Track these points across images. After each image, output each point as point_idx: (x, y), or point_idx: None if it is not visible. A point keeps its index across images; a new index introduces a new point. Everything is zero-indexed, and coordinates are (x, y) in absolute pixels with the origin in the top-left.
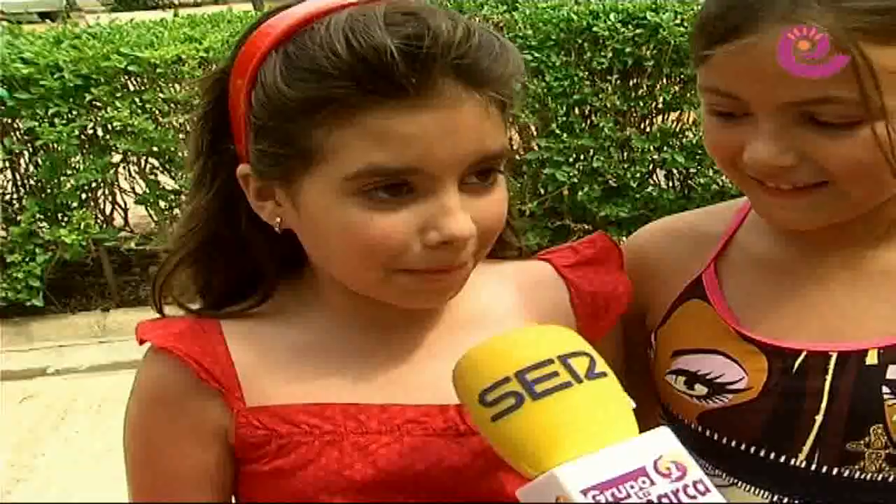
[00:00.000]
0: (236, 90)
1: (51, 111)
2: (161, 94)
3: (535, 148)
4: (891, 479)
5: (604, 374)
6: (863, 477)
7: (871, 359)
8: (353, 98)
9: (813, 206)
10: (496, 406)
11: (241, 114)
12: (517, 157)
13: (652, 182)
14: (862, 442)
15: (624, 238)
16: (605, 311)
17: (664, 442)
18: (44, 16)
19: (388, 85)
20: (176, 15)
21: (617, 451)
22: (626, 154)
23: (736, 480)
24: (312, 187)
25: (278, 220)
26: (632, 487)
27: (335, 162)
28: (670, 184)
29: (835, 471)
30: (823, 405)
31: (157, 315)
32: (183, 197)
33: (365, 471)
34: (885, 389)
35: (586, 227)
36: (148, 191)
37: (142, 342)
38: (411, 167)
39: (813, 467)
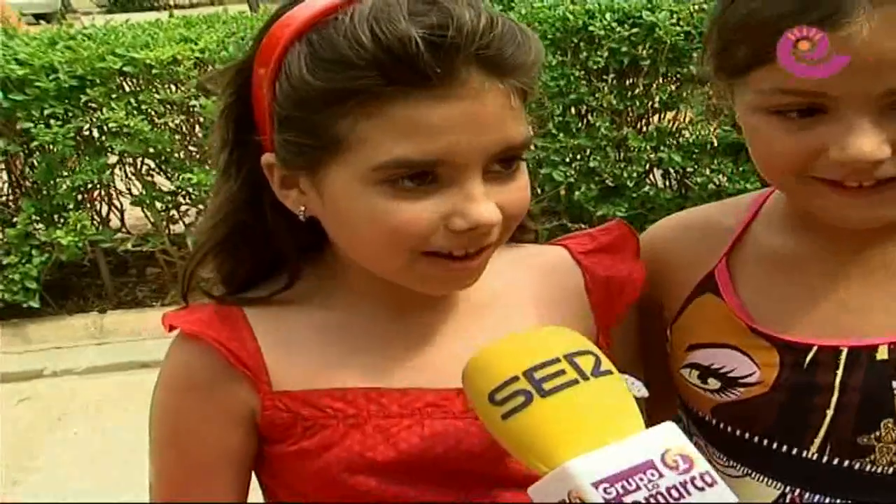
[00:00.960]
0: (259, 80)
1: (46, 112)
2: (157, 95)
3: (532, 147)
4: None
5: (609, 372)
6: (874, 470)
7: (882, 354)
8: (378, 89)
9: (890, 201)
10: (506, 404)
11: (265, 104)
12: None
13: (649, 181)
14: (873, 436)
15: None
16: (619, 296)
17: (670, 436)
18: (39, 17)
19: (413, 75)
20: (171, 16)
21: (625, 446)
22: (622, 153)
23: (749, 472)
24: (338, 176)
25: (302, 208)
26: (641, 480)
27: (361, 152)
28: (667, 183)
29: (846, 463)
30: (834, 399)
31: (177, 307)
32: (179, 199)
33: (387, 453)
34: (895, 384)
35: (583, 226)
36: (144, 192)
37: (171, 329)
38: (437, 159)
39: (824, 460)
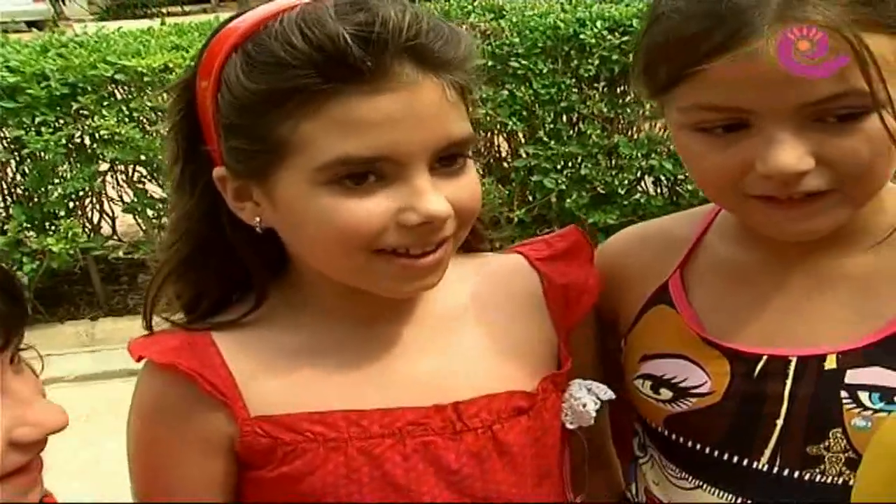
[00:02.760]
0: (202, 93)
1: (37, 120)
2: (148, 103)
3: (523, 155)
4: (851, 481)
5: None
6: (824, 480)
7: (830, 363)
8: (315, 87)
9: (824, 212)
10: None
11: (209, 116)
12: (505, 164)
13: (640, 189)
14: (822, 446)
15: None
16: (577, 302)
17: None
18: (31, 24)
19: (345, 70)
20: (163, 24)
21: None
22: (613, 161)
23: (701, 483)
24: (287, 181)
25: (258, 219)
26: None
27: (306, 153)
28: (658, 191)
29: (796, 474)
30: (784, 409)
31: (146, 329)
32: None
33: (372, 473)
34: (843, 394)
35: None
36: (136, 199)
37: (139, 359)
38: (380, 155)
39: (775, 470)
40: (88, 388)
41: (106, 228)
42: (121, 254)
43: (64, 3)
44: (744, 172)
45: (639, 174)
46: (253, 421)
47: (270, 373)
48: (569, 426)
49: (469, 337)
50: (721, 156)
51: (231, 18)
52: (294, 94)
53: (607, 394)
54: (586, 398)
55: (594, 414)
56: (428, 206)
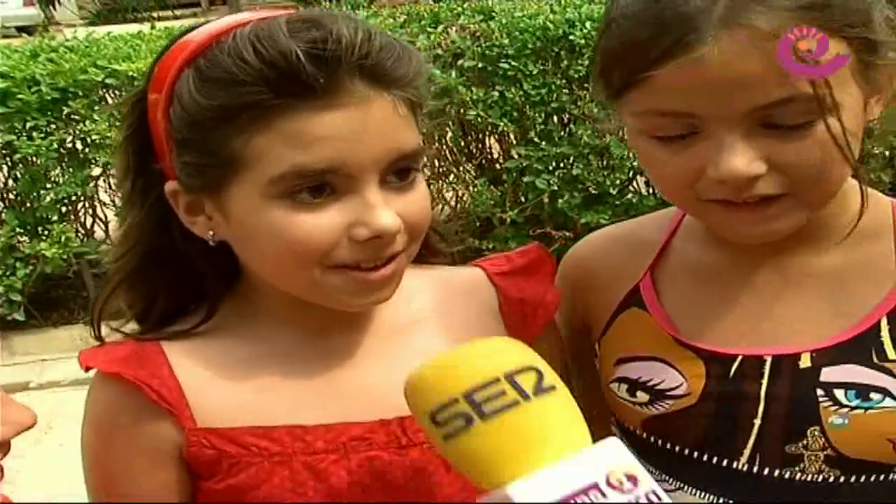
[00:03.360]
0: (154, 107)
1: (28, 125)
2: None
3: (515, 156)
4: (831, 479)
5: (552, 388)
6: (804, 478)
7: (805, 362)
8: (267, 102)
9: (779, 216)
10: (446, 426)
11: (161, 130)
12: (497, 165)
13: (632, 189)
14: (801, 444)
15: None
16: (533, 317)
17: (615, 454)
18: (21, 30)
19: (298, 86)
20: (153, 28)
21: (568, 466)
22: (605, 161)
23: (682, 485)
24: (239, 194)
25: (211, 233)
26: (584, 502)
27: (258, 167)
28: (650, 190)
29: (776, 472)
30: (761, 409)
31: (95, 340)
32: None
33: (317, 487)
34: (819, 392)
35: (567, 234)
36: None
37: (87, 369)
38: (330, 167)
39: (755, 470)
40: (83, 392)
41: (99, 233)
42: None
43: (54, 8)
44: (697, 177)
45: (630, 174)
46: (199, 431)
47: (219, 383)
48: None
49: (421, 349)
50: (675, 161)
51: (184, 33)
52: (246, 109)
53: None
54: None
55: None
56: (378, 220)
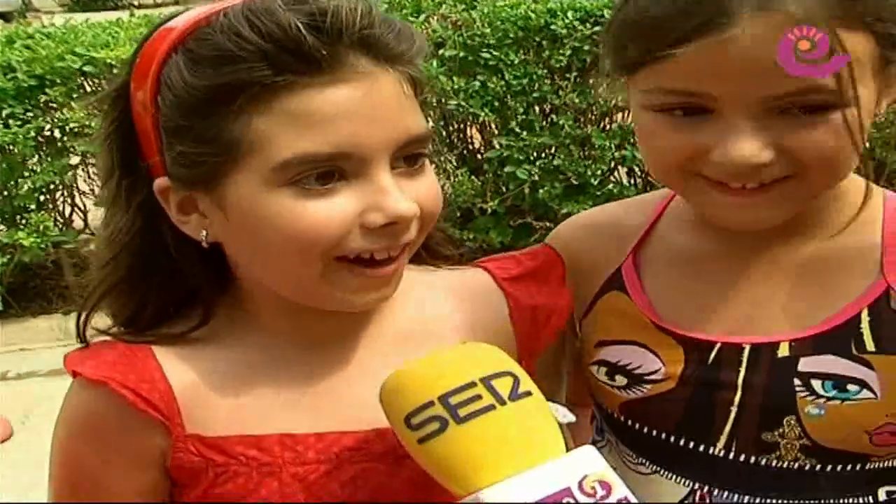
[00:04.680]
0: (139, 102)
1: (5, 112)
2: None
3: (496, 146)
4: (807, 467)
5: (528, 394)
6: (780, 465)
7: (783, 351)
8: (267, 80)
9: (777, 201)
10: (421, 429)
11: (148, 123)
12: (478, 156)
13: (613, 179)
14: (776, 432)
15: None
16: (545, 324)
17: (589, 461)
18: (0, 16)
19: (299, 61)
20: (132, 15)
21: (542, 472)
22: (586, 151)
23: (658, 468)
24: (240, 185)
25: (204, 232)
26: None
27: (260, 153)
28: (631, 181)
29: (752, 459)
30: (738, 396)
31: (81, 345)
32: None
33: (307, 500)
34: (796, 382)
35: (548, 224)
36: None
37: (75, 375)
38: (340, 151)
39: (731, 456)
40: (62, 382)
41: (78, 222)
42: (93, 247)
43: None
44: (698, 156)
45: (612, 164)
46: (187, 438)
47: (211, 390)
48: None
49: (418, 357)
50: (677, 137)
51: (164, 21)
52: (244, 88)
53: (567, 417)
54: None
55: None
56: (395, 205)
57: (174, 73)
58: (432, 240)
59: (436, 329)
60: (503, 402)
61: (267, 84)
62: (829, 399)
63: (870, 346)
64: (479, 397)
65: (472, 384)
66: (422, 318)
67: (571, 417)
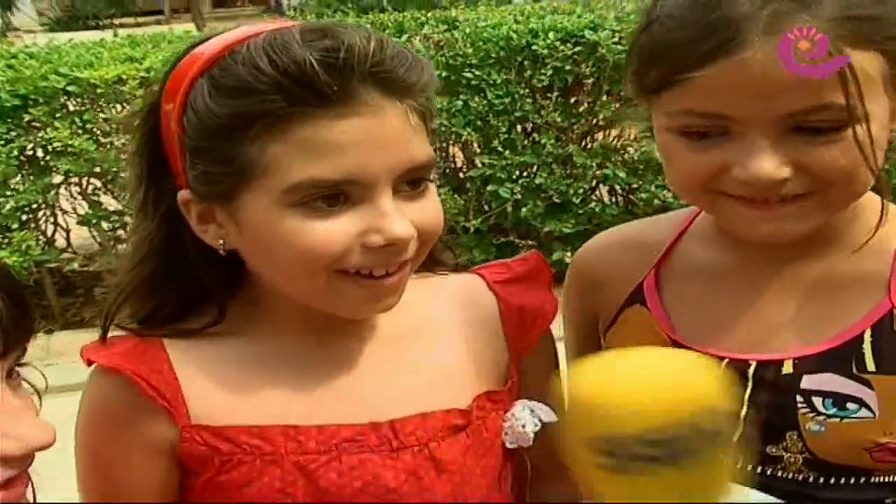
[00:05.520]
0: (167, 117)
1: None
2: (102, 115)
3: (478, 165)
4: (811, 479)
5: (726, 433)
6: (785, 476)
7: (787, 368)
8: (282, 111)
9: (798, 216)
10: (609, 458)
11: (174, 140)
12: (460, 174)
13: (595, 198)
14: (781, 446)
15: (569, 253)
16: (532, 324)
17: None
18: None
19: (312, 94)
20: (115, 35)
21: None
22: (568, 170)
23: None
24: (253, 203)
25: (221, 241)
26: None
27: (272, 176)
28: (613, 199)
29: (758, 469)
30: (743, 412)
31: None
32: (127, 218)
33: (306, 488)
34: (798, 399)
35: (531, 242)
36: (90, 211)
37: (89, 363)
38: (347, 178)
39: (738, 466)
40: (45, 401)
41: (60, 241)
42: (76, 266)
43: (13, 14)
44: (720, 174)
45: (593, 183)
46: (193, 428)
47: (216, 382)
48: (508, 445)
49: (418, 356)
50: (698, 157)
51: (195, 45)
52: (261, 117)
53: (550, 416)
54: (527, 419)
55: (532, 435)
56: (392, 228)
57: (199, 98)
58: (435, 249)
59: (435, 329)
60: (702, 450)
61: (281, 115)
62: (828, 416)
63: (870, 366)
64: (682, 440)
65: (678, 425)
66: (421, 318)
67: (554, 417)
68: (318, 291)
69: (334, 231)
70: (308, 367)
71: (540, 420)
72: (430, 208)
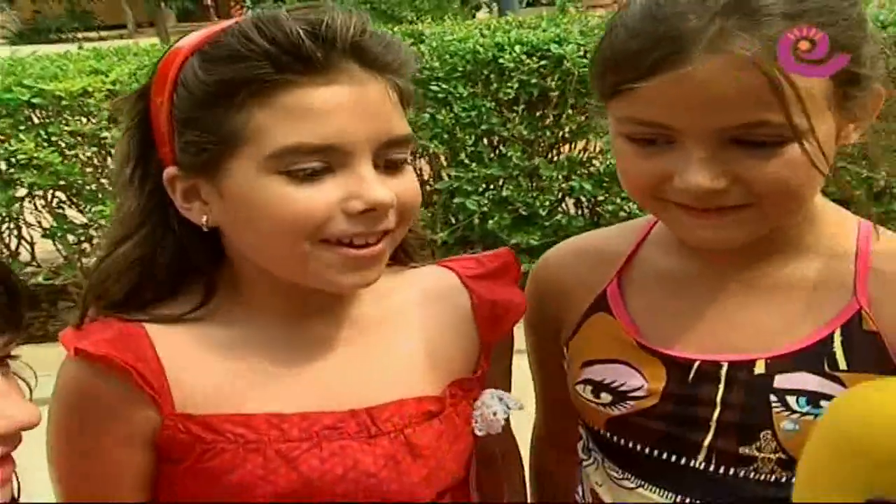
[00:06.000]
0: (157, 105)
1: None
2: (67, 127)
3: (445, 178)
4: (784, 479)
5: None
6: (758, 478)
7: (760, 368)
8: (268, 76)
9: (736, 224)
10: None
11: (163, 121)
12: (427, 187)
13: (561, 210)
14: (754, 446)
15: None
16: (503, 318)
17: None
18: None
19: (297, 61)
20: (80, 48)
21: None
22: (534, 183)
23: (642, 482)
24: (237, 171)
25: (205, 217)
26: None
27: (257, 143)
28: (579, 211)
29: (731, 472)
30: (717, 413)
31: (76, 326)
32: (92, 231)
33: (289, 475)
34: (772, 398)
35: None
36: (55, 224)
37: (75, 351)
38: (328, 144)
39: (711, 469)
40: None
41: (24, 254)
42: (40, 279)
43: None
44: (664, 181)
45: (560, 195)
46: (177, 417)
47: (200, 369)
48: (478, 433)
49: (393, 344)
50: (645, 164)
51: (178, 43)
52: (248, 83)
53: (517, 404)
54: (497, 407)
55: (503, 422)
56: (372, 193)
57: (189, 72)
58: (408, 242)
59: (409, 320)
60: None
61: (268, 81)
62: (803, 414)
63: (842, 364)
64: None
65: None
66: (396, 307)
67: (521, 404)
68: (300, 262)
69: (316, 198)
70: (288, 353)
71: (508, 407)
72: (408, 182)
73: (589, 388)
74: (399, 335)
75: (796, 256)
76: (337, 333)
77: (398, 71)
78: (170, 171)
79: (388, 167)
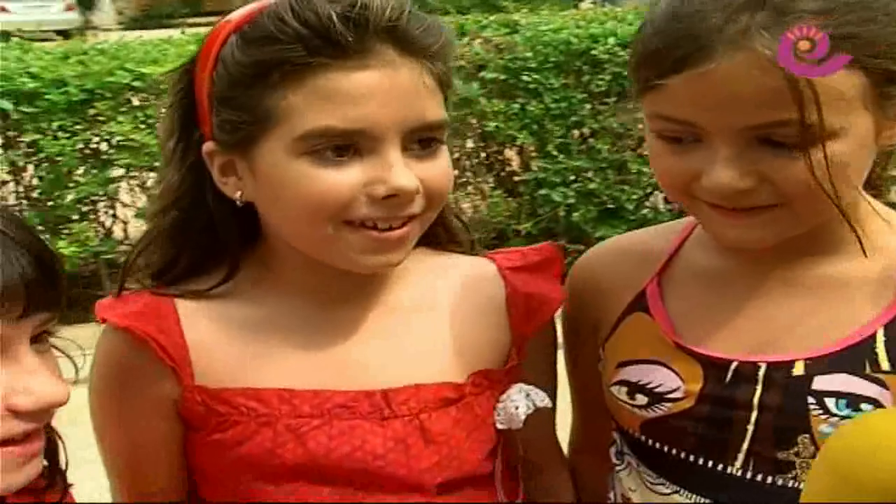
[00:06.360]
0: (200, 80)
1: (55, 125)
2: (164, 110)
3: (533, 168)
4: None
5: None
6: (797, 485)
7: (798, 370)
8: (300, 59)
9: (766, 224)
10: None
11: (204, 96)
12: (514, 177)
13: (648, 204)
14: (792, 451)
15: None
16: (538, 311)
17: None
18: (61, 33)
19: (329, 45)
20: (183, 33)
21: None
22: (622, 176)
23: (678, 489)
24: (267, 151)
25: (239, 193)
26: None
27: (287, 124)
28: (667, 206)
29: (769, 479)
30: (754, 415)
31: (116, 295)
32: None
33: (296, 450)
34: (810, 400)
35: (582, 248)
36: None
37: (103, 321)
38: (356, 128)
39: (748, 475)
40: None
41: (118, 233)
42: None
43: (92, 13)
44: (694, 179)
45: (647, 189)
46: (194, 389)
47: (223, 344)
48: (498, 426)
49: (419, 328)
50: (675, 161)
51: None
52: (280, 65)
53: (545, 402)
54: (521, 401)
55: (523, 418)
56: (396, 179)
57: (228, 52)
58: (451, 226)
59: (439, 306)
60: None
61: (300, 63)
62: (842, 418)
63: (885, 365)
64: None
65: None
66: (423, 292)
67: (549, 402)
68: (324, 241)
69: (341, 180)
70: (311, 332)
71: (534, 404)
72: (438, 167)
73: (624, 389)
74: (426, 320)
75: (838, 255)
76: (363, 315)
77: (436, 55)
78: (208, 145)
79: (420, 151)
